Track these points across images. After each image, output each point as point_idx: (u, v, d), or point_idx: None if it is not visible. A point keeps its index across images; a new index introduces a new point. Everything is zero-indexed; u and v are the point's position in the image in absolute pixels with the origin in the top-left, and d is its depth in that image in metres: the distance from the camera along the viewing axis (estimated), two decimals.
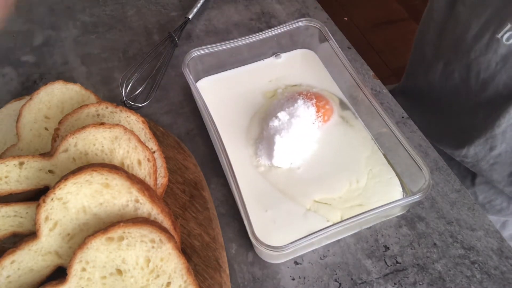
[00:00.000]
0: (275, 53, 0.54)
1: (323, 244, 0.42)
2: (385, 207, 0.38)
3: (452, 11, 0.55)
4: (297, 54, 0.55)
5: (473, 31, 0.52)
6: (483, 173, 0.59)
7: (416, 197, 0.38)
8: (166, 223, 0.36)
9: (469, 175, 0.62)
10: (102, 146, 0.39)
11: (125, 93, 0.50)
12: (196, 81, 0.51)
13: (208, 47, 0.48)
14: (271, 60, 0.54)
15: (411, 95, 0.68)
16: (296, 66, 0.54)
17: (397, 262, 0.41)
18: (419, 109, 0.64)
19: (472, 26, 0.52)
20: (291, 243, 0.35)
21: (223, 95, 0.51)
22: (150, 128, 0.43)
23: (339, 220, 0.41)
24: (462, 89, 0.56)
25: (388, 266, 0.41)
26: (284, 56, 0.54)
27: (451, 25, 0.56)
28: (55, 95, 0.44)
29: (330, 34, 0.50)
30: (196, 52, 0.48)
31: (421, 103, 0.65)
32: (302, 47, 0.55)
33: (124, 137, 0.39)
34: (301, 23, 0.52)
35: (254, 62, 0.53)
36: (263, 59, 0.54)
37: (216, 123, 0.43)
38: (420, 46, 0.65)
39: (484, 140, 0.55)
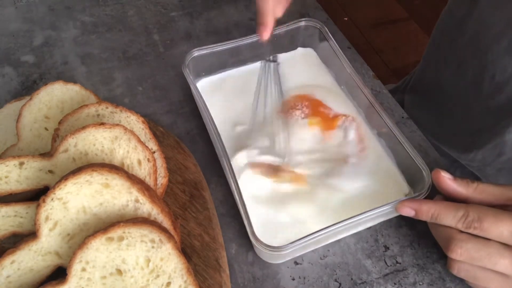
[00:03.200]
0: (273, 55, 0.54)
1: (323, 244, 0.42)
2: (384, 207, 0.38)
3: (474, 7, 0.53)
4: (297, 54, 0.55)
5: (494, 30, 0.50)
6: (489, 177, 0.58)
7: (416, 197, 0.38)
8: (166, 223, 0.36)
9: (472, 178, 0.61)
10: (102, 146, 0.39)
11: None
12: (196, 81, 0.51)
13: (208, 47, 0.48)
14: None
15: (420, 92, 0.67)
16: (296, 66, 0.54)
17: (397, 262, 0.41)
18: (427, 108, 0.63)
19: (494, 25, 0.50)
20: (291, 243, 0.35)
21: (223, 95, 0.51)
22: (150, 128, 0.43)
23: (341, 219, 0.41)
24: (474, 91, 0.54)
25: (388, 266, 0.41)
26: (284, 56, 0.54)
27: (471, 21, 0.54)
28: (55, 95, 0.44)
29: (330, 34, 0.50)
30: (196, 52, 0.48)
31: (430, 102, 0.64)
32: (302, 47, 0.55)
33: (124, 137, 0.39)
34: (301, 23, 0.52)
35: (254, 62, 0.53)
36: (263, 59, 0.54)
37: (216, 123, 0.43)
38: (437, 41, 0.63)
39: (493, 146, 0.54)
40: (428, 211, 0.37)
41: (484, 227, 0.34)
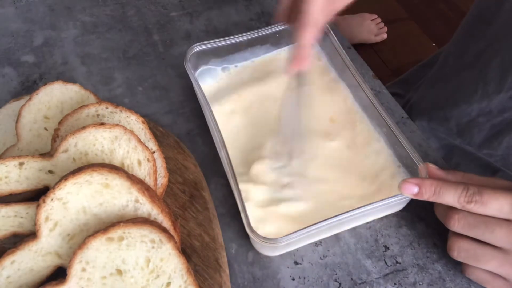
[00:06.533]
0: (279, 47, 0.54)
1: (320, 237, 0.42)
2: (379, 203, 0.38)
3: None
4: None
5: None
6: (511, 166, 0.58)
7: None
8: (166, 223, 0.36)
9: (487, 172, 0.60)
10: (102, 146, 0.39)
11: None
12: (198, 77, 0.51)
13: (210, 42, 0.49)
14: (273, 57, 0.54)
15: (440, 84, 0.65)
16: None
17: (397, 262, 0.41)
18: (451, 101, 0.61)
19: None
20: (287, 235, 0.36)
21: (224, 90, 0.51)
22: (150, 128, 0.43)
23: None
24: (500, 81, 0.53)
25: (388, 266, 0.41)
26: (286, 52, 0.54)
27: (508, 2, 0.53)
28: (55, 95, 0.44)
29: (332, 31, 0.50)
30: (198, 47, 0.48)
31: (452, 94, 0.62)
32: None
33: (124, 137, 0.39)
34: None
35: (255, 58, 0.53)
36: (264, 55, 0.54)
37: (216, 117, 0.43)
38: (468, 26, 0.61)
39: None
40: (431, 185, 0.37)
41: (484, 200, 0.35)
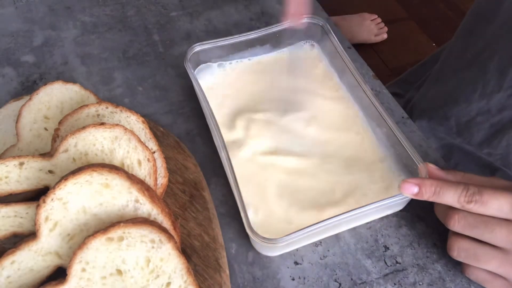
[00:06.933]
0: (279, 48, 0.54)
1: (320, 237, 0.42)
2: (379, 203, 0.38)
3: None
4: (299, 51, 0.55)
5: None
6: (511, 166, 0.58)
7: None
8: (166, 223, 0.36)
9: (487, 171, 0.60)
10: (102, 146, 0.39)
11: None
12: (198, 77, 0.51)
13: (210, 42, 0.49)
14: (273, 56, 0.54)
15: (440, 85, 0.65)
16: (298, 63, 0.54)
17: (397, 262, 0.41)
18: (450, 100, 0.61)
19: None
20: (287, 235, 0.36)
21: (224, 89, 0.51)
22: (150, 128, 0.43)
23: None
24: (498, 80, 0.53)
25: (388, 266, 0.41)
26: (286, 52, 0.54)
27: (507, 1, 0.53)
28: (55, 95, 0.44)
29: (332, 31, 0.50)
30: (198, 47, 0.48)
31: (449, 93, 0.62)
32: (304, 44, 0.55)
33: (124, 137, 0.39)
34: (303, 20, 0.52)
35: (255, 58, 0.53)
36: (265, 54, 0.54)
37: (216, 117, 0.43)
38: (468, 26, 0.62)
39: None
40: (431, 185, 0.37)
41: (484, 200, 0.35)
